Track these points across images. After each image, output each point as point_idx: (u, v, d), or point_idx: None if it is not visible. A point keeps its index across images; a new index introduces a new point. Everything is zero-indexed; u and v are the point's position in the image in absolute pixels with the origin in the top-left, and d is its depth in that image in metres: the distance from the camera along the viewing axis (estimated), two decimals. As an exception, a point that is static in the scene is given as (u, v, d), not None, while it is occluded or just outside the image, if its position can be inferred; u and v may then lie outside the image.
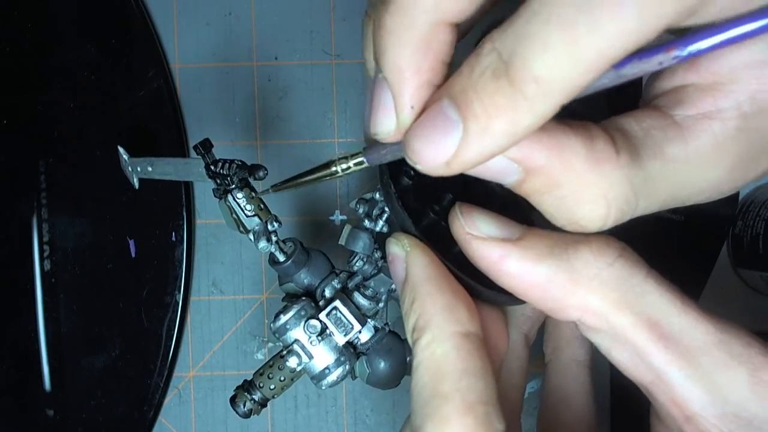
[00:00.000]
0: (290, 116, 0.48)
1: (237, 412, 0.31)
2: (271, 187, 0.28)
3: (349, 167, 0.24)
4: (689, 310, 0.22)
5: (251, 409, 0.31)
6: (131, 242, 0.46)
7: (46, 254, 0.46)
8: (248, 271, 0.48)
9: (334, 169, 0.25)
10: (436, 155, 0.20)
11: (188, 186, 0.47)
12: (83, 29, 0.46)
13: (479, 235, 0.23)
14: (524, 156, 0.21)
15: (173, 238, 0.46)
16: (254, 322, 0.48)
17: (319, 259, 0.32)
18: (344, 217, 0.48)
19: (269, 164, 0.49)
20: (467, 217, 0.24)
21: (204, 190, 0.48)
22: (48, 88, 0.46)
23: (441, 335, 0.23)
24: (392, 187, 0.25)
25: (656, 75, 0.24)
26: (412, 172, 0.26)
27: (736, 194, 0.52)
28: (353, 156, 0.24)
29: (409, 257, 0.25)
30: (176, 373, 0.47)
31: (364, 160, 0.24)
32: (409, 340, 0.24)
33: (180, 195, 0.46)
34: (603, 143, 0.21)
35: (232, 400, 0.31)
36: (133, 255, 0.46)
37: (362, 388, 0.47)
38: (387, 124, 0.22)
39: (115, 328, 0.46)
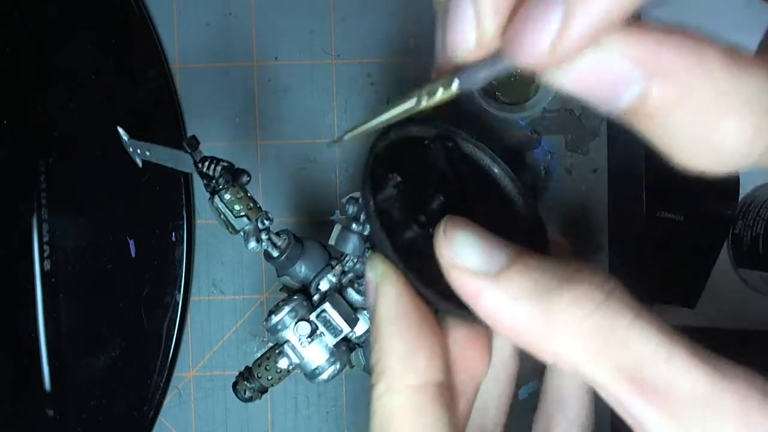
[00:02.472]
0: (290, 116, 0.48)
1: (238, 398, 0.32)
2: (346, 132, 0.25)
3: (436, 96, 0.21)
4: (678, 356, 0.20)
5: (251, 396, 0.32)
6: (131, 242, 0.46)
7: (46, 254, 0.46)
8: (248, 271, 0.48)
9: (418, 101, 0.21)
10: (539, 40, 0.17)
11: (188, 186, 0.47)
12: (83, 29, 0.46)
13: (458, 263, 0.22)
14: (651, 56, 0.17)
15: (173, 238, 0.46)
16: (254, 322, 0.48)
17: (314, 250, 0.32)
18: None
19: (269, 164, 0.49)
20: (450, 238, 0.22)
21: (204, 190, 0.48)
22: (48, 88, 0.46)
23: (395, 387, 0.22)
24: (372, 203, 0.24)
25: None
26: (398, 179, 0.25)
27: (737, 194, 0.52)
28: (443, 81, 0.20)
29: (378, 288, 0.24)
30: (176, 373, 0.47)
31: (457, 83, 0.20)
32: (372, 379, 0.24)
33: (180, 195, 0.46)
34: (743, 51, 0.18)
35: (234, 386, 0.32)
36: (133, 255, 0.46)
37: (362, 387, 0.47)
38: (467, 39, 0.19)
39: (115, 328, 0.46)
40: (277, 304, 0.30)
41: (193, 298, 0.48)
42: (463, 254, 0.22)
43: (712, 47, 0.17)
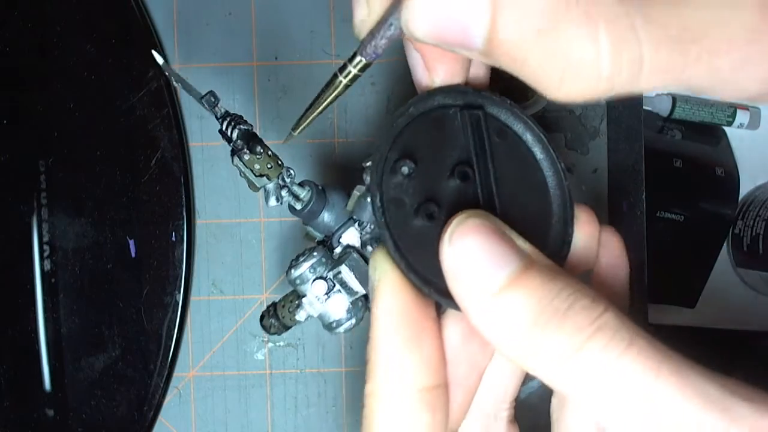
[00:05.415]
0: (290, 116, 0.48)
1: (264, 330, 0.33)
2: (291, 131, 0.27)
3: (349, 72, 0.24)
4: (664, 393, 0.19)
5: (276, 331, 0.33)
6: (131, 242, 0.46)
7: (46, 254, 0.46)
8: (248, 271, 0.48)
9: (338, 80, 0.24)
10: None
11: (188, 186, 0.47)
12: (83, 29, 0.46)
13: (457, 274, 0.22)
14: None
15: (173, 238, 0.46)
16: (254, 322, 0.48)
17: (339, 200, 0.32)
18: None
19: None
20: (455, 244, 0.22)
21: (204, 190, 0.48)
22: (48, 88, 0.46)
23: (379, 391, 0.23)
24: (378, 198, 0.24)
25: None
26: (413, 165, 0.24)
27: (736, 194, 0.52)
28: (350, 59, 0.24)
29: (376, 289, 0.24)
30: (176, 373, 0.47)
31: (362, 58, 0.23)
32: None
33: (180, 195, 0.46)
34: None
35: (261, 320, 0.34)
36: (133, 255, 0.46)
37: (362, 387, 0.47)
38: (361, 12, 0.22)
39: (115, 328, 0.46)
40: (297, 257, 0.31)
41: (193, 298, 0.48)
42: (465, 265, 0.22)
43: None
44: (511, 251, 0.22)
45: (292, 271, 0.30)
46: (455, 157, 0.25)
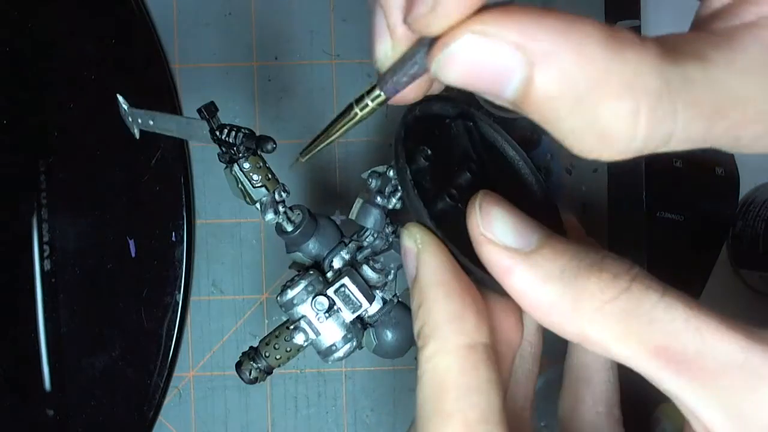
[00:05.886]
0: (290, 116, 0.48)
1: (242, 379, 0.31)
2: (300, 154, 0.26)
3: (366, 105, 0.23)
4: (708, 327, 0.20)
5: (256, 377, 0.31)
6: (131, 242, 0.46)
7: (46, 254, 0.46)
8: (248, 271, 0.48)
9: (354, 111, 0.23)
10: (421, 5, 0.18)
11: (188, 186, 0.47)
12: (83, 29, 0.46)
13: (492, 238, 0.22)
14: (529, 40, 0.18)
15: (173, 238, 0.46)
16: (254, 322, 0.48)
17: (328, 228, 0.31)
18: (344, 218, 0.47)
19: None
20: (485, 213, 0.22)
21: (204, 189, 0.48)
22: (48, 88, 0.46)
23: (445, 347, 0.22)
24: (408, 172, 0.24)
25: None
26: (429, 152, 0.25)
27: (737, 194, 0.52)
28: (368, 92, 0.23)
29: (420, 255, 0.24)
30: (176, 373, 0.47)
31: (381, 93, 0.23)
32: (417, 344, 0.24)
33: (180, 195, 0.46)
34: (625, 31, 0.18)
35: (238, 367, 0.31)
36: (133, 255, 0.46)
37: (362, 387, 0.47)
38: (384, 46, 0.22)
39: (115, 328, 0.46)
40: (293, 279, 0.30)
41: (193, 298, 0.48)
42: (497, 230, 0.22)
43: (591, 27, 0.18)
44: (533, 222, 0.22)
45: (288, 291, 0.29)
46: (459, 154, 0.26)
